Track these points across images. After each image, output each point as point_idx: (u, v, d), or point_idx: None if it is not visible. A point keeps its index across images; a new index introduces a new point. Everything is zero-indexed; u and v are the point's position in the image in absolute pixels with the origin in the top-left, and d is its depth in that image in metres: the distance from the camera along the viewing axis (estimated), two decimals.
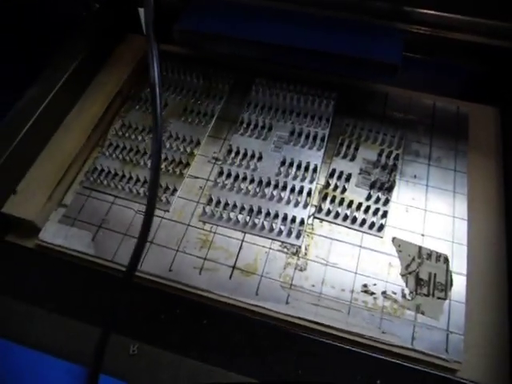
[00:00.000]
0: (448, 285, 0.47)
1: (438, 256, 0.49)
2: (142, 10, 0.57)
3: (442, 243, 0.50)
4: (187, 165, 0.55)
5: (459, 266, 0.48)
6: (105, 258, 0.49)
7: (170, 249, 0.50)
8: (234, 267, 0.48)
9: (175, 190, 0.54)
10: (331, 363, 0.39)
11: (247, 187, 0.53)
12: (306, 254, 0.49)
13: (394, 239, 0.50)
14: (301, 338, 0.41)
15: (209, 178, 0.55)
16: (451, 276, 0.47)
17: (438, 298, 0.46)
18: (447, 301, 0.46)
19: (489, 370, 0.43)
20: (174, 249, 0.50)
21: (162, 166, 0.55)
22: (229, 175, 0.54)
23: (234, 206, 0.52)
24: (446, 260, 0.48)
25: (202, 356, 0.39)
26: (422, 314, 0.45)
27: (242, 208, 0.52)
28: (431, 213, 0.52)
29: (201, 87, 0.63)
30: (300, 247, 0.49)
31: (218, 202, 0.52)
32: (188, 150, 0.57)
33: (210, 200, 0.52)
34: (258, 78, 0.63)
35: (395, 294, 0.46)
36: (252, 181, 0.54)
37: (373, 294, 0.46)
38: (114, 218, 0.52)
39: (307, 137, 0.57)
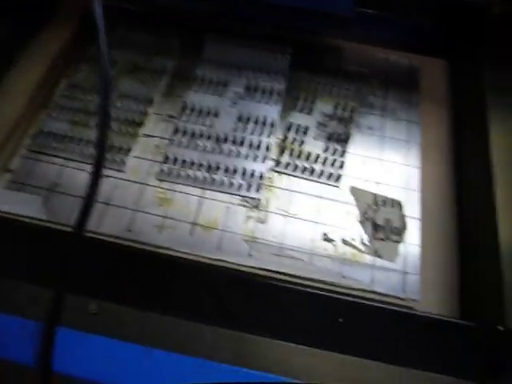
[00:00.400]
0: (403, 229, 0.48)
1: (393, 202, 0.50)
2: None
3: (396, 190, 0.51)
4: (141, 124, 0.54)
5: (413, 211, 0.50)
6: (59, 222, 0.47)
7: (128, 209, 0.48)
8: (194, 223, 0.48)
9: (129, 149, 0.52)
10: (295, 306, 0.39)
11: (204, 144, 0.52)
12: (266, 206, 0.49)
13: (351, 188, 0.51)
14: (263, 285, 0.41)
15: (164, 137, 0.53)
16: (405, 220, 0.49)
17: (394, 242, 0.48)
18: (402, 244, 0.48)
19: (443, 306, 0.46)
20: (133, 209, 0.48)
21: (115, 126, 0.53)
22: (185, 133, 0.53)
23: (192, 163, 0.51)
24: (400, 205, 0.50)
25: (165, 311, 0.39)
26: (380, 257, 0.47)
27: (200, 165, 0.51)
28: (386, 162, 0.53)
29: (150, 44, 0.60)
30: (260, 200, 0.49)
31: (175, 160, 0.51)
32: (141, 108, 0.54)
33: (167, 158, 0.51)
34: (210, 34, 0.61)
35: (354, 240, 0.48)
36: (209, 137, 0.53)
37: (332, 241, 0.47)
38: (67, 181, 0.50)
39: (263, 92, 0.56)
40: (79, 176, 0.50)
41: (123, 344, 0.36)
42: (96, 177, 0.28)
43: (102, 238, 0.46)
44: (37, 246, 0.41)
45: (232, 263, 0.45)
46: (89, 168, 0.51)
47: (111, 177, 0.50)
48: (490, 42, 0.60)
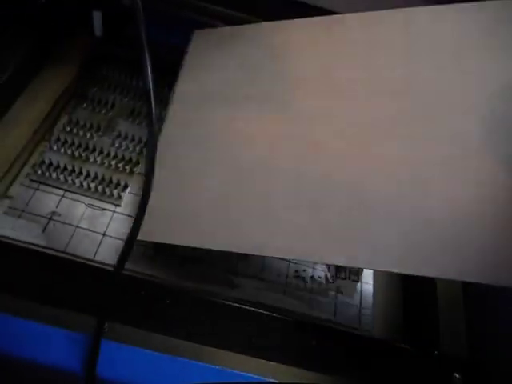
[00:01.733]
0: (360, 270, 0.58)
1: None
2: (96, 14, 0.59)
3: None
4: (137, 163, 0.59)
5: None
6: (57, 249, 0.51)
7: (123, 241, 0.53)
8: None
9: (126, 186, 0.57)
10: (273, 329, 0.47)
11: None
12: None
13: None
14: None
15: None
16: None
17: (353, 281, 0.57)
18: (359, 283, 0.57)
19: (390, 334, 0.55)
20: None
21: (113, 163, 0.58)
22: None
23: None
24: None
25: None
26: (341, 293, 0.56)
27: None
28: None
29: None
30: None
31: None
32: (137, 148, 0.60)
33: None
34: None
35: (320, 278, 0.56)
36: None
37: (303, 278, 0.56)
38: (65, 211, 0.54)
39: None
40: (77, 207, 0.55)
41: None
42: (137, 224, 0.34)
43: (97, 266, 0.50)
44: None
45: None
46: (86, 200, 0.55)
47: (109, 210, 0.55)
48: None
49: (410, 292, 0.58)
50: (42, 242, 0.51)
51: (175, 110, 0.56)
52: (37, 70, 0.63)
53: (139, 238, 0.37)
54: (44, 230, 0.52)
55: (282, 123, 0.50)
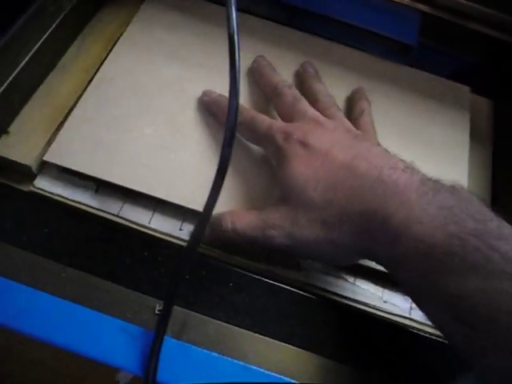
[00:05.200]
0: None
1: None
2: None
3: None
4: None
5: None
6: (109, 212, 0.47)
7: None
8: None
9: None
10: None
11: None
12: None
13: None
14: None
15: None
16: None
17: None
18: None
19: None
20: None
21: None
22: None
23: None
24: None
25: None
26: None
27: None
28: None
29: None
30: None
31: None
32: None
33: None
34: None
35: None
36: None
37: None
38: None
39: None
40: None
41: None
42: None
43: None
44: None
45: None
46: None
47: None
48: None
49: None
50: (95, 203, 0.47)
51: (119, 51, 0.54)
52: (93, 12, 0.57)
53: (44, 158, 0.45)
54: (97, 190, 0.48)
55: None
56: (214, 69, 0.55)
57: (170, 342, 0.33)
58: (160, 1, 0.59)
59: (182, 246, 0.45)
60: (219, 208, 0.38)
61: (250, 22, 0.59)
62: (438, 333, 0.46)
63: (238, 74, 0.26)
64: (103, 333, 0.34)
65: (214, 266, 0.42)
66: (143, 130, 0.50)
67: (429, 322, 0.46)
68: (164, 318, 0.31)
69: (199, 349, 0.35)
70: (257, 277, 0.43)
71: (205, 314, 0.38)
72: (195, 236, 0.30)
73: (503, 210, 0.33)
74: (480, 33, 0.58)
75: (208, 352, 0.35)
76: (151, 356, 0.30)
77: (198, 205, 0.45)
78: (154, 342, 0.29)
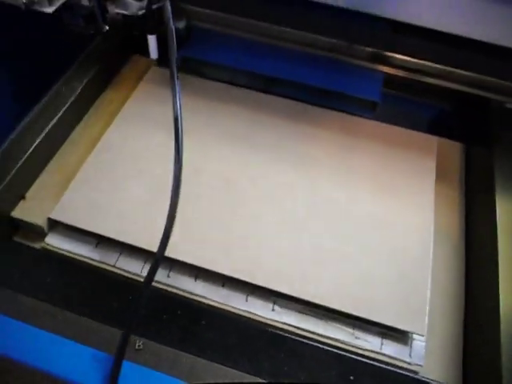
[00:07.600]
0: None
1: None
2: (150, 37, 0.62)
3: None
4: None
5: None
6: (107, 263, 0.54)
7: None
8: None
9: None
10: (312, 362, 0.45)
11: None
12: None
13: None
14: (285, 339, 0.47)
15: None
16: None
17: None
18: None
19: (445, 373, 0.50)
20: None
21: None
22: None
23: None
24: None
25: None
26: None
27: None
28: None
29: None
30: None
31: None
32: None
33: None
34: None
35: None
36: None
37: None
38: None
39: None
40: None
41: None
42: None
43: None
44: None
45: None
46: None
47: None
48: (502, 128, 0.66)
49: (471, 326, 0.52)
50: (96, 256, 0.54)
51: (117, 124, 0.64)
52: (99, 92, 0.68)
53: (50, 216, 0.54)
54: (97, 245, 0.55)
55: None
56: (194, 133, 0.61)
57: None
58: (154, 81, 0.69)
59: (166, 290, 0.51)
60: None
61: (234, 91, 0.68)
62: (408, 366, 0.49)
63: (181, 147, 0.33)
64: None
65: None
66: (134, 190, 0.58)
67: (399, 357, 0.49)
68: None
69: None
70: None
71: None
72: (149, 275, 0.36)
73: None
74: (437, 85, 0.64)
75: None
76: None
77: (181, 253, 0.52)
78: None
